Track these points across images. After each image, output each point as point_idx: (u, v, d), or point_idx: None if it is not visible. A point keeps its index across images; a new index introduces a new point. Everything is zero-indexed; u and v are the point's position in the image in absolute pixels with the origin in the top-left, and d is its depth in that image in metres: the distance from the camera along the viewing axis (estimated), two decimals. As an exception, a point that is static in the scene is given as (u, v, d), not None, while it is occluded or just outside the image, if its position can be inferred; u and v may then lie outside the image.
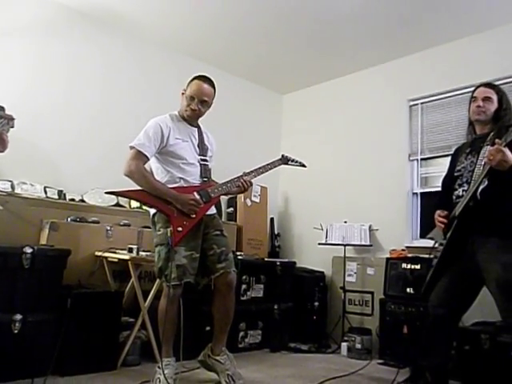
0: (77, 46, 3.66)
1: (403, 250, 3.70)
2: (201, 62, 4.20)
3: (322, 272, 4.15)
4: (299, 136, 4.93)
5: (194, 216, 2.41)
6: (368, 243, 3.90)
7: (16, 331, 2.40)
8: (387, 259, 3.60)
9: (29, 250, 2.51)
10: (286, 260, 4.24)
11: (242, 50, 4.22)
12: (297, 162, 2.91)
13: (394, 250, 3.73)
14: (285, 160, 2.85)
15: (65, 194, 3.32)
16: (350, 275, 3.93)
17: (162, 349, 2.48)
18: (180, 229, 2.36)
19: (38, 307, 2.50)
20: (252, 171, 2.66)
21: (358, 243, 3.93)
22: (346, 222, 4.02)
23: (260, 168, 2.70)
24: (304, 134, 4.89)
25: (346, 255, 3.93)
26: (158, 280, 2.67)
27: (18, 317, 2.41)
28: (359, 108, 4.44)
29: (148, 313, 2.81)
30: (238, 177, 2.61)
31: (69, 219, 3.07)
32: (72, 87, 3.60)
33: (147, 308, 2.82)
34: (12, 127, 1.48)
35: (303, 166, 2.96)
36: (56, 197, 3.24)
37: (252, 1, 3.41)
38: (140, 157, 2.40)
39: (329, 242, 4.02)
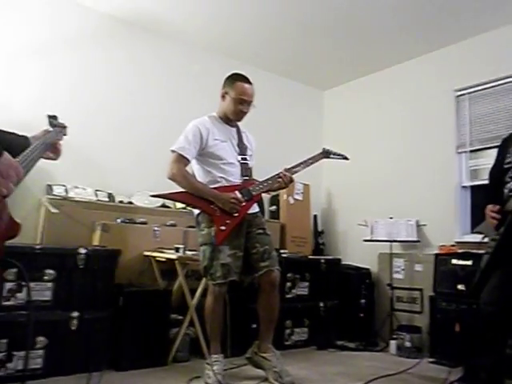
0: (121, 53, 3.79)
1: (453, 245, 3.58)
2: (240, 62, 4.23)
3: (368, 269, 4.09)
4: (341, 131, 4.87)
5: (236, 215, 2.45)
6: (415, 239, 3.80)
7: (73, 328, 2.54)
8: (436, 255, 3.50)
9: (83, 251, 2.64)
10: (331, 257, 4.20)
11: (280, 48, 4.21)
12: (339, 154, 2.86)
13: (443, 245, 3.62)
14: (326, 153, 2.81)
15: (114, 197, 3.45)
16: (397, 272, 3.85)
17: (210, 345, 2.54)
18: (223, 228, 2.40)
19: (93, 305, 2.63)
20: (293, 166, 2.66)
21: (405, 239, 3.84)
22: (391, 218, 3.94)
23: (301, 163, 2.68)
24: (346, 130, 4.83)
25: (393, 251, 3.85)
26: (204, 278, 2.73)
27: (75, 314, 2.55)
28: (403, 101, 4.32)
29: (196, 310, 2.88)
30: (278, 173, 2.61)
31: (118, 220, 3.19)
32: (118, 95, 3.74)
33: (195, 306, 2.89)
34: (65, 135, 1.56)
35: (345, 158, 2.90)
36: (106, 199, 3.38)
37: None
38: (181, 160, 2.47)
39: (374, 238, 3.95)
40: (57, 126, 1.52)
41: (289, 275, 3.51)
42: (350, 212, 4.59)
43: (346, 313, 3.82)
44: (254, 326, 2.80)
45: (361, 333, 3.77)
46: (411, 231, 3.83)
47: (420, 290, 3.66)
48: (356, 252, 4.34)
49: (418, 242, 3.82)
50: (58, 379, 2.41)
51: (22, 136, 1.35)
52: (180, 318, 2.94)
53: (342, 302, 3.79)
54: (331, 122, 5.08)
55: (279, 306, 2.57)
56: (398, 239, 3.85)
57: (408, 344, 3.36)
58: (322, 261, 3.83)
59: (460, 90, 3.90)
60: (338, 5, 3.48)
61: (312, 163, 2.72)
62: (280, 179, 2.58)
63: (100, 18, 3.67)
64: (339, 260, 4.12)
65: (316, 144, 4.82)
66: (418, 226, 3.87)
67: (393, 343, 3.46)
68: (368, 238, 3.97)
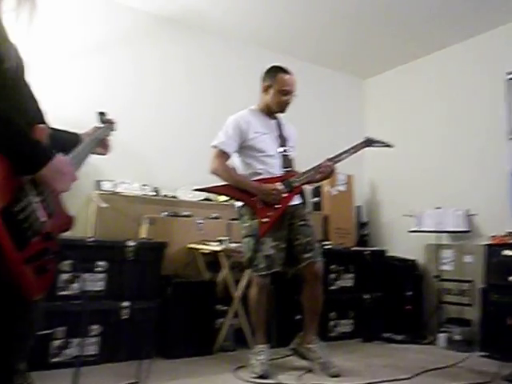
0: (167, 51, 3.86)
1: (505, 235, 3.42)
2: (279, 53, 4.21)
3: (414, 260, 3.99)
4: (384, 120, 4.75)
5: (277, 206, 2.46)
6: (464, 229, 3.66)
7: (125, 317, 2.65)
8: (488, 246, 3.36)
9: (132, 244, 2.75)
10: (376, 248, 4.13)
11: (319, 37, 4.15)
12: (382, 142, 2.79)
13: (494, 236, 3.46)
14: (369, 142, 2.75)
15: (159, 191, 3.55)
16: (445, 263, 3.73)
17: (254, 336, 2.57)
18: (265, 220, 2.42)
19: (142, 295, 2.73)
20: (334, 156, 2.63)
21: (454, 229, 3.71)
22: (439, 208, 3.81)
23: (343, 152, 2.65)
24: (389, 118, 4.71)
25: (441, 242, 3.74)
26: (247, 270, 2.77)
27: (126, 304, 2.66)
28: (449, 86, 4.16)
29: (240, 301, 2.93)
30: (319, 164, 2.60)
31: (164, 214, 3.28)
32: (164, 91, 3.82)
33: (239, 297, 2.93)
34: (113, 130, 1.61)
35: (389, 146, 2.82)
36: (152, 193, 3.48)
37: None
38: (222, 154, 2.51)
39: (420, 229, 3.84)
40: (106, 122, 1.58)
41: (332, 267, 3.49)
42: (394, 202, 4.49)
43: (392, 305, 3.75)
44: (299, 317, 2.81)
45: (408, 325, 3.69)
46: (460, 221, 3.70)
47: (470, 281, 3.53)
48: (401, 243, 4.24)
49: (467, 232, 3.68)
50: (111, 365, 2.53)
51: (74, 133, 1.41)
52: (225, 308, 3.00)
53: (387, 294, 3.73)
54: (373, 111, 4.96)
55: (323, 297, 2.57)
56: (446, 229, 3.73)
57: (458, 337, 3.27)
58: (367, 252, 3.78)
59: (512, 73, 3.71)
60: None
61: (354, 152, 2.69)
62: (322, 169, 2.56)
63: (146, 18, 3.75)
64: (384, 251, 4.05)
65: (358, 133, 4.72)
66: (468, 215, 3.72)
67: (441, 336, 3.37)
68: (414, 229, 3.86)
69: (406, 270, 3.90)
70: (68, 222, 1.17)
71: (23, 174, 0.96)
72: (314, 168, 2.59)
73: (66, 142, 1.31)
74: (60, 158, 1.04)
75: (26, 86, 1.09)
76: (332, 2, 3.57)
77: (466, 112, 3.99)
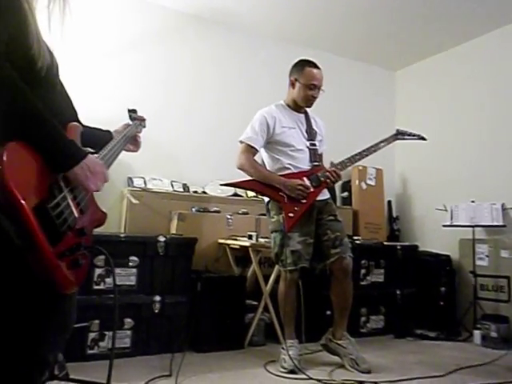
0: (195, 48, 3.90)
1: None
2: (306, 47, 4.17)
3: (448, 255, 3.88)
4: (416, 112, 4.64)
5: (304, 201, 2.44)
6: (501, 223, 3.54)
7: (156, 311, 2.70)
8: (525, 240, 3.24)
9: (162, 239, 2.79)
10: (407, 243, 4.06)
11: (347, 30, 4.08)
12: (414, 135, 2.71)
13: (533, 230, 3.34)
14: (400, 134, 2.69)
15: (188, 187, 3.59)
16: (480, 259, 3.62)
17: (284, 331, 2.58)
18: (291, 215, 2.41)
19: (173, 290, 2.77)
20: (365, 149, 2.59)
21: (489, 224, 3.59)
22: (473, 202, 3.70)
23: (373, 146, 2.61)
24: (421, 109, 4.59)
25: (476, 237, 3.63)
26: (276, 265, 2.77)
27: (158, 298, 2.71)
28: (483, 76, 4.01)
29: (269, 296, 2.93)
30: (349, 157, 2.57)
31: (193, 210, 3.32)
32: (193, 88, 3.85)
33: (268, 292, 2.94)
34: (144, 127, 1.64)
35: (422, 138, 2.74)
36: (181, 190, 3.53)
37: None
38: (249, 149, 2.52)
39: (454, 223, 3.74)
40: (136, 119, 1.60)
41: (363, 262, 3.45)
42: (426, 196, 4.38)
43: (425, 301, 3.67)
44: (329, 312, 2.80)
45: (441, 322, 3.60)
46: (496, 215, 3.57)
47: (507, 277, 3.42)
48: (434, 238, 4.14)
49: (504, 226, 3.55)
50: (144, 358, 2.58)
51: (106, 131, 1.44)
52: (255, 303, 3.01)
53: (420, 290, 3.65)
54: (405, 103, 4.85)
55: (353, 293, 2.54)
56: (482, 224, 3.62)
57: (494, 334, 3.17)
58: (398, 247, 3.71)
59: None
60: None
61: (385, 145, 2.63)
62: (327, 174, 2.50)
63: (175, 16, 3.79)
64: (416, 246, 3.97)
65: (389, 125, 4.64)
66: (504, 209, 3.60)
67: (477, 333, 3.28)
68: (447, 224, 3.76)
69: (440, 265, 3.80)
70: (100, 218, 1.20)
71: (57, 171, 0.98)
72: (341, 162, 2.56)
73: (98, 139, 1.35)
74: (93, 158, 1.07)
75: (59, 85, 1.12)
76: (360, -7, 3.51)
77: (502, 102, 3.84)
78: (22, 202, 0.85)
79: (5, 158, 0.84)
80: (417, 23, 3.92)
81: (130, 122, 1.58)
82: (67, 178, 1.00)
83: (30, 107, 0.94)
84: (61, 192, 0.98)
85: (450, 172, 4.17)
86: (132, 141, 1.53)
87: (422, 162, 4.44)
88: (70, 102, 1.17)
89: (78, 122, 1.14)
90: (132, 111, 1.63)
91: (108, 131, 1.45)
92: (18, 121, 0.93)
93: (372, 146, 2.60)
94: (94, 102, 3.22)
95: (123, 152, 1.43)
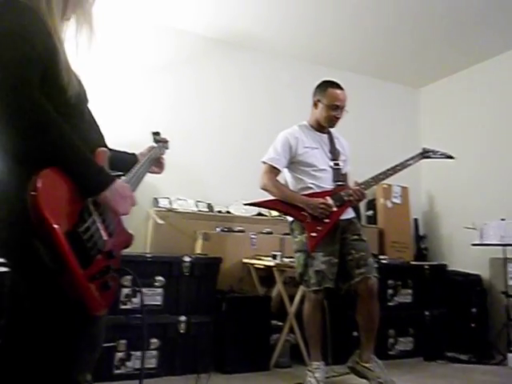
0: (221, 71, 3.98)
1: None
2: (330, 67, 4.21)
3: (478, 275, 3.78)
4: (441, 129, 4.59)
5: (327, 221, 2.43)
6: (533, 242, 3.43)
7: (182, 331, 2.71)
8: (560, 260, 3.12)
9: (188, 259, 2.82)
10: (435, 263, 3.96)
11: (370, 49, 4.10)
12: (441, 153, 2.66)
13: None
14: (426, 153, 2.64)
15: (213, 207, 3.63)
16: (512, 278, 3.50)
17: (310, 352, 2.54)
18: (314, 234, 2.40)
19: (198, 310, 2.78)
20: (389, 169, 2.57)
21: (521, 242, 3.48)
22: (503, 220, 3.60)
23: (398, 165, 2.58)
24: (447, 126, 4.53)
25: (507, 256, 3.52)
26: (300, 285, 2.75)
27: (183, 318, 2.72)
28: (509, 92, 3.95)
29: (295, 317, 2.90)
30: (373, 176, 2.56)
31: (218, 229, 3.34)
32: (219, 110, 3.92)
33: (294, 312, 2.91)
34: (167, 149, 1.68)
35: (450, 157, 2.68)
36: (206, 209, 3.57)
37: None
38: (272, 170, 2.55)
39: (484, 242, 3.64)
40: (160, 142, 1.65)
41: (390, 282, 3.38)
42: (454, 214, 4.29)
43: (455, 322, 3.56)
44: (355, 334, 2.74)
45: (473, 344, 3.48)
46: (528, 233, 3.46)
47: (542, 298, 3.29)
48: (463, 257, 4.03)
49: (536, 245, 3.44)
50: (170, 378, 2.59)
51: (132, 153, 1.49)
52: (280, 324, 2.99)
53: (449, 311, 3.55)
54: (429, 120, 4.81)
55: (379, 314, 2.49)
56: (513, 242, 3.51)
57: (530, 358, 3.04)
58: (426, 267, 3.63)
59: None
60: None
61: (410, 164, 2.60)
62: (351, 192, 2.50)
63: (196, 40, 3.90)
64: (445, 266, 3.87)
65: (413, 143, 4.61)
66: (536, 227, 3.49)
67: (511, 356, 3.15)
68: (477, 242, 3.67)
69: (470, 285, 3.70)
70: (127, 240, 1.24)
71: (87, 195, 1.02)
72: (365, 182, 2.55)
73: (124, 162, 1.39)
74: (121, 182, 1.11)
75: (87, 112, 1.17)
76: (381, 13, 3.53)
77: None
78: (55, 226, 0.88)
79: (39, 185, 0.88)
80: (440, 40, 3.91)
81: (154, 145, 1.61)
82: (96, 202, 1.04)
83: (61, 135, 0.98)
84: (90, 216, 1.01)
85: (478, 189, 4.09)
86: (156, 163, 1.56)
87: (449, 180, 4.37)
88: (98, 127, 1.22)
89: (106, 146, 1.18)
90: (156, 134, 1.68)
91: (133, 154, 1.49)
92: (51, 148, 0.97)
93: (397, 165, 2.58)
94: (124, 126, 3.32)
95: (148, 173, 1.47)
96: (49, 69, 1.01)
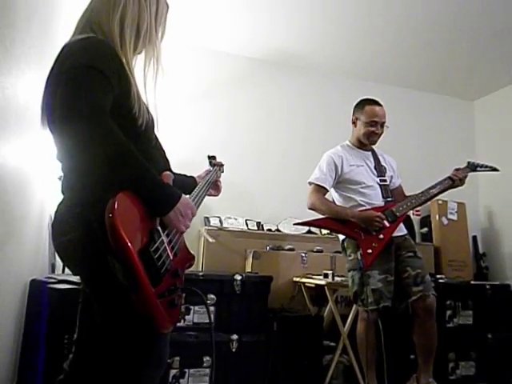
0: (265, 91, 4.08)
1: None
2: (379, 83, 4.17)
3: (547, 296, 3.52)
4: (498, 141, 4.39)
5: (381, 237, 2.38)
6: None
7: (234, 350, 2.71)
8: None
9: (239, 277, 2.83)
10: (498, 283, 3.74)
11: (421, 63, 4.04)
12: (486, 166, 2.64)
13: None
14: (472, 166, 2.61)
15: (262, 225, 3.65)
16: None
17: (365, 374, 2.46)
18: (370, 251, 2.35)
19: (250, 329, 2.77)
20: (437, 183, 2.52)
21: None
22: None
23: (444, 180, 2.53)
24: (502, 139, 4.33)
25: None
26: (354, 305, 2.68)
27: (235, 337, 2.72)
28: None
29: (348, 337, 2.83)
30: (422, 192, 2.51)
31: (268, 248, 3.35)
32: (266, 129, 4.00)
33: (347, 332, 2.84)
34: (222, 172, 1.73)
35: (495, 170, 2.65)
36: (255, 228, 3.60)
37: (429, 8, 3.27)
38: (319, 189, 2.54)
39: (551, 260, 3.41)
40: (216, 165, 1.70)
41: (448, 302, 3.22)
42: (517, 231, 4.06)
43: (523, 347, 3.33)
44: (413, 356, 2.63)
45: (544, 371, 3.23)
46: None
47: None
48: (529, 276, 3.79)
49: None
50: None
51: (191, 176, 1.55)
52: (332, 344, 2.92)
53: (515, 334, 3.33)
54: (485, 133, 4.62)
55: (437, 335, 2.38)
56: None
57: None
58: (487, 286, 3.43)
59: None
60: (481, 10, 3.23)
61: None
62: (452, 176, 2.47)
63: (244, 62, 4.01)
64: (508, 286, 3.64)
65: (469, 156, 4.41)
66: None
67: None
68: (543, 260, 3.44)
69: (537, 306, 3.45)
70: (190, 259, 1.28)
71: (156, 216, 1.07)
72: (416, 195, 2.50)
73: (185, 184, 1.45)
74: (185, 200, 1.14)
75: (155, 139, 1.24)
76: (433, 26, 3.47)
77: None
78: (130, 245, 0.93)
79: (116, 207, 0.94)
80: (493, 52, 3.79)
81: (211, 168, 1.67)
82: (163, 222, 1.08)
83: (134, 159, 1.03)
84: (159, 236, 1.05)
85: (542, 204, 3.85)
86: (213, 186, 1.61)
87: (509, 194, 4.15)
88: (164, 153, 1.29)
89: (170, 170, 1.25)
90: (212, 157, 1.73)
91: (192, 177, 1.55)
92: (125, 172, 1.02)
93: (444, 180, 2.53)
94: (175, 150, 3.43)
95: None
96: (120, 99, 1.08)
